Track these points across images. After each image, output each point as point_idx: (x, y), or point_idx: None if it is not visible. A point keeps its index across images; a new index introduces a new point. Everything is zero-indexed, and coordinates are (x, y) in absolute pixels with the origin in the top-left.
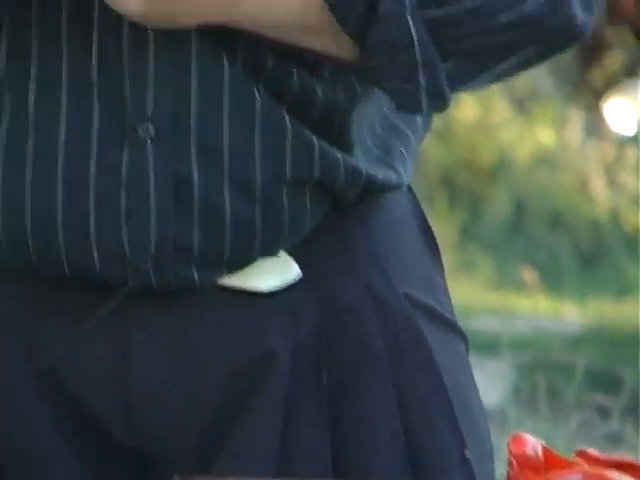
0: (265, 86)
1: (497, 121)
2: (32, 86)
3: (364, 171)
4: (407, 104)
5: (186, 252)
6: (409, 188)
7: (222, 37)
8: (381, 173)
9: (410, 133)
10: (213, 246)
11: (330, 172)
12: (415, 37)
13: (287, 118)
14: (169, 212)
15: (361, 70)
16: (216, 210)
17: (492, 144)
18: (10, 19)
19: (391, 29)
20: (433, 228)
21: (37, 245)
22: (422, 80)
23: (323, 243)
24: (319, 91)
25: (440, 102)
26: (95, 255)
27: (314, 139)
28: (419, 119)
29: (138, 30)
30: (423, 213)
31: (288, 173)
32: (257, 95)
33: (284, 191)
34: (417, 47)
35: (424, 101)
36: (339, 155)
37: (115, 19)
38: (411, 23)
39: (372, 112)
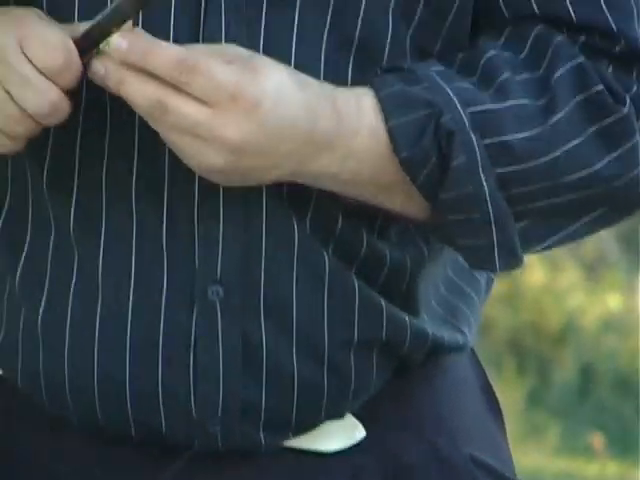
0: (334, 249)
1: (565, 285)
2: (101, 247)
3: (430, 333)
4: (480, 262)
5: (253, 414)
6: (471, 349)
7: (292, 200)
8: (447, 334)
9: (474, 294)
10: (280, 408)
11: (397, 335)
12: (488, 194)
13: (355, 280)
14: (237, 374)
15: (433, 228)
16: (284, 372)
17: (560, 308)
18: (79, 177)
19: (463, 185)
20: (500, 393)
21: (105, 407)
22: (495, 237)
23: (388, 403)
24: (387, 254)
25: (513, 260)
26: (162, 416)
27: (382, 301)
28: (482, 281)
29: (209, 195)
30: (485, 374)
31: (355, 335)
32: (326, 258)
33: (351, 353)
34: (490, 204)
35: (497, 259)
36: (406, 317)
37: (187, 186)
38: (484, 180)
39: (436, 273)
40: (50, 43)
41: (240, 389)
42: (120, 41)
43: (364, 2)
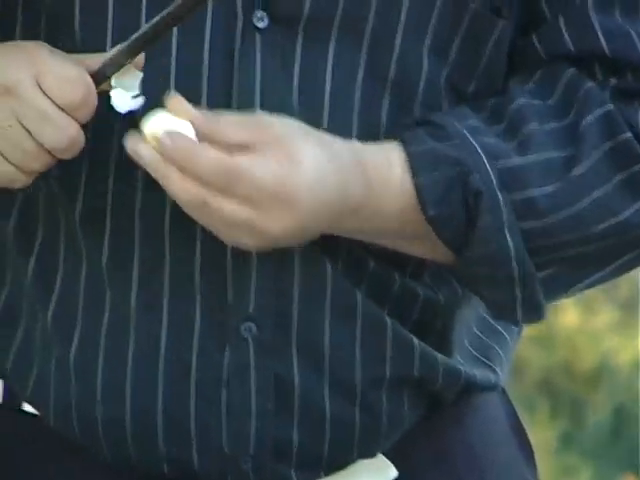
0: (366, 289)
1: (599, 326)
2: (133, 283)
3: (463, 372)
4: (502, 314)
5: (285, 452)
6: (502, 389)
7: (324, 243)
8: (479, 373)
9: (507, 334)
10: (312, 447)
11: (429, 373)
12: (512, 251)
13: (388, 319)
14: (269, 411)
15: (459, 277)
16: (316, 410)
17: (593, 349)
18: (111, 215)
19: (489, 243)
20: (533, 434)
21: (137, 443)
22: (518, 293)
23: (419, 441)
24: (420, 293)
25: (535, 314)
26: (194, 452)
27: (414, 340)
28: None
29: None
30: (517, 414)
31: (388, 373)
32: (358, 297)
33: (383, 391)
34: (514, 261)
35: (519, 313)
36: (439, 356)
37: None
38: (509, 238)
39: (469, 312)
40: (68, 78)
41: (272, 426)
42: (165, 139)
43: (399, 39)
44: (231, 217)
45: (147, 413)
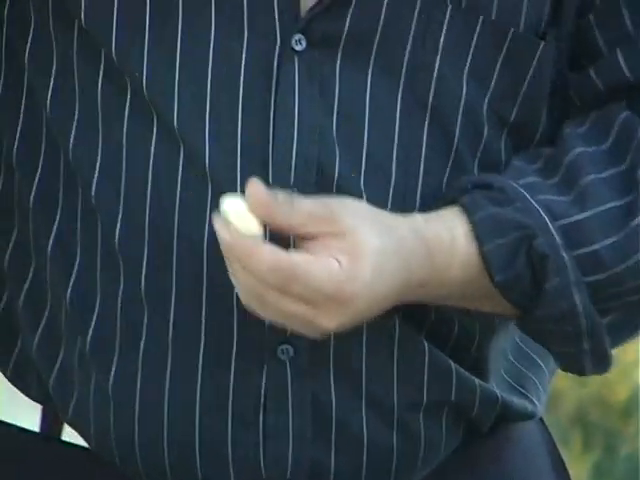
0: (404, 313)
1: (632, 358)
2: (172, 304)
3: (500, 397)
4: (570, 367)
5: (323, 475)
6: (541, 419)
7: None
8: (516, 400)
9: (543, 365)
10: (349, 471)
11: (466, 397)
12: (580, 307)
13: (425, 343)
14: (307, 434)
15: (526, 331)
16: (354, 434)
17: (627, 381)
18: (149, 242)
19: (557, 303)
20: (567, 467)
21: (174, 466)
22: (586, 346)
23: (456, 471)
24: (455, 320)
25: (603, 365)
26: (232, 476)
27: (451, 364)
28: None
29: None
30: (557, 449)
31: (425, 398)
32: (396, 321)
33: (421, 416)
34: (582, 316)
35: (588, 365)
36: (476, 381)
37: None
38: (576, 294)
39: (506, 341)
40: None
41: (309, 450)
42: (224, 234)
43: (437, 65)
44: (287, 312)
45: (184, 436)
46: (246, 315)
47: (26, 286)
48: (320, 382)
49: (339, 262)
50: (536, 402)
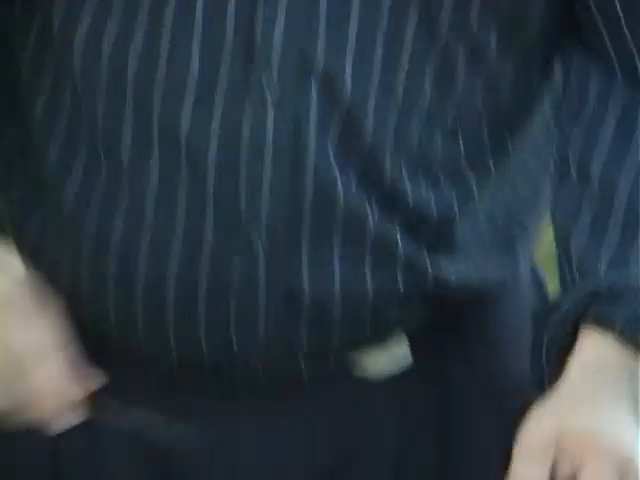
0: (378, 202)
1: None
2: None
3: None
4: None
5: (294, 345)
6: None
7: (338, 159)
8: (497, 270)
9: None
10: (321, 338)
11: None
12: None
13: (398, 232)
14: (278, 312)
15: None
16: (325, 310)
17: None
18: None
19: None
20: None
21: (148, 339)
22: None
23: (437, 331)
24: (432, 206)
25: None
26: (204, 343)
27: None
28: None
29: None
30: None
31: (401, 287)
32: (369, 212)
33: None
34: None
35: None
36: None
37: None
38: None
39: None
40: None
41: (280, 325)
42: None
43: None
44: None
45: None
46: (221, 201)
47: None
48: (293, 269)
49: None
50: (520, 259)
